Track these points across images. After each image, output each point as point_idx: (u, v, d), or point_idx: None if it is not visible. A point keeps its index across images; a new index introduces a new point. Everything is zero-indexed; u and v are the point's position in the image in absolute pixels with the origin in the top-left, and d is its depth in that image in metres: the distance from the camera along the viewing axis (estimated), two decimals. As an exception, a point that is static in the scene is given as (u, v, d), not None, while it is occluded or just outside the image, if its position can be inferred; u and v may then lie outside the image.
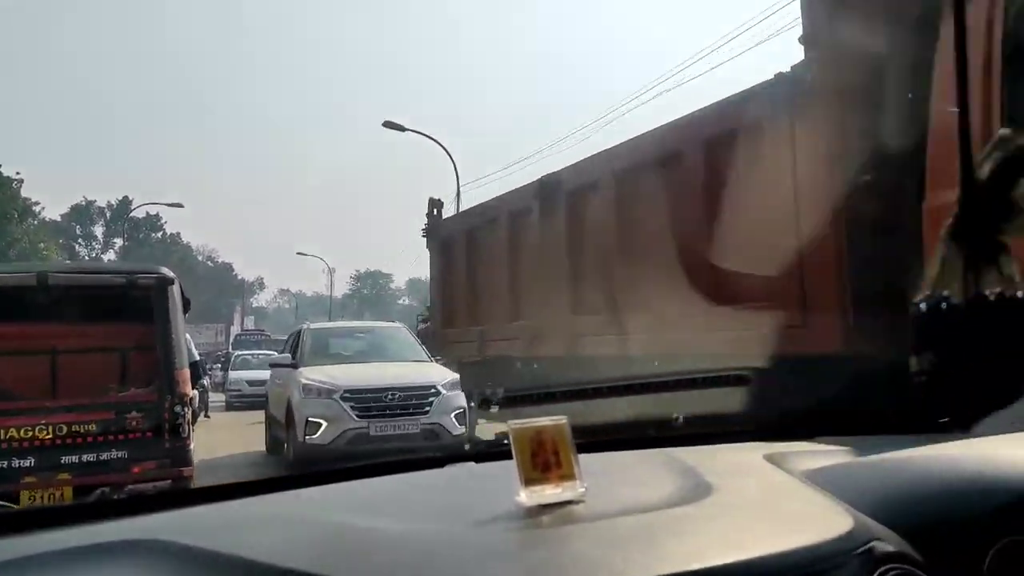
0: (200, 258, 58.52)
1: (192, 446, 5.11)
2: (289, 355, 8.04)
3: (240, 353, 21.48)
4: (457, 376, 7.03)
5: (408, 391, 6.61)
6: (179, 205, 29.04)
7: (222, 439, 9.02)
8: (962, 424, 1.12)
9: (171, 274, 5.01)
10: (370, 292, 68.21)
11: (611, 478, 0.85)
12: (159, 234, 53.63)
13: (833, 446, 1.02)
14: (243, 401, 17.35)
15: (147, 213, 47.52)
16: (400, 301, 65.55)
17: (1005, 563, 0.75)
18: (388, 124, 18.92)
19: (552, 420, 0.77)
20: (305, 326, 8.86)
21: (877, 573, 0.64)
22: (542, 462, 0.75)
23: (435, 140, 19.19)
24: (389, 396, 6.58)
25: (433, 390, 6.68)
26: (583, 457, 0.83)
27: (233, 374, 19.03)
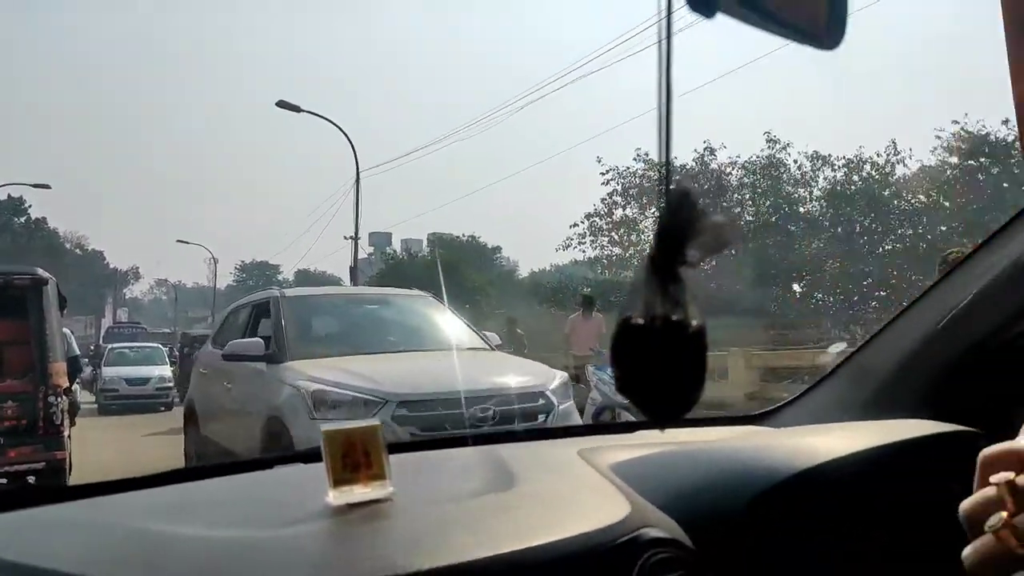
0: (68, 246, 54.38)
1: (67, 433, 5.51)
2: (257, 341, 4.87)
3: (116, 346, 18.96)
4: (566, 376, 4.78)
5: (508, 400, 4.03)
6: (45, 186, 26.94)
7: (96, 458, 6.73)
8: (772, 418, 1.25)
9: (46, 275, 5.47)
10: (256, 283, 65.76)
11: (424, 475, 0.89)
12: (23, 219, 49.28)
13: (649, 440, 1.10)
14: (121, 404, 15.58)
15: (9, 195, 43.55)
16: (288, 294, 63.46)
17: (780, 546, 0.84)
18: (282, 104, 18.19)
19: (365, 423, 0.80)
20: (276, 293, 5.52)
21: (643, 557, 0.71)
22: (352, 463, 0.78)
23: (333, 123, 18.62)
24: (482, 410, 3.97)
25: (543, 399, 4.23)
26: (401, 457, 0.85)
27: (108, 371, 16.83)
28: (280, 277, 67.86)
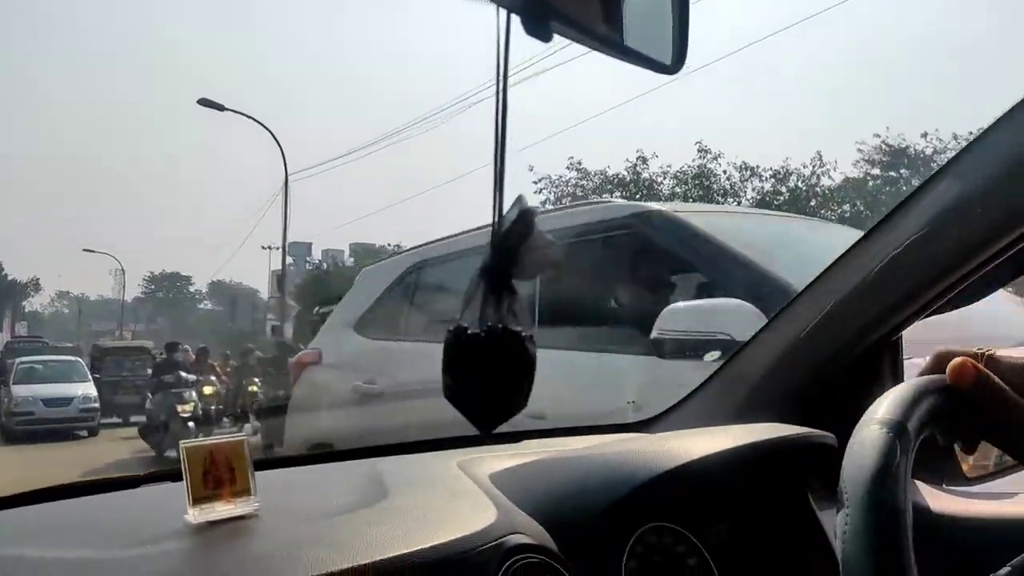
0: (-40, 255, 51.33)
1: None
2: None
3: (25, 360, 16.25)
4: None
5: None
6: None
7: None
8: (652, 425, 1.31)
9: None
10: (167, 295, 63.49)
11: (294, 491, 0.90)
12: (-93, 225, 46.24)
13: (531, 449, 1.14)
14: (36, 429, 13.24)
15: None
16: (202, 305, 61.68)
17: (646, 546, 0.89)
18: (205, 102, 17.52)
19: (229, 437, 0.81)
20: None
21: (507, 563, 0.74)
22: (215, 479, 0.79)
23: (260, 123, 18.07)
24: None
25: None
26: (270, 473, 0.87)
27: (18, 389, 14.43)
28: (192, 288, 65.94)
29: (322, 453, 1.13)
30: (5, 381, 15.23)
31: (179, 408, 10.38)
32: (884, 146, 22.21)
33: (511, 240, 0.48)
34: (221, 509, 0.79)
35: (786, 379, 1.10)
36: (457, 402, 0.50)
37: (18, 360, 16.43)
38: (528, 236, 0.48)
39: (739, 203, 23.57)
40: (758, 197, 23.56)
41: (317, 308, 11.48)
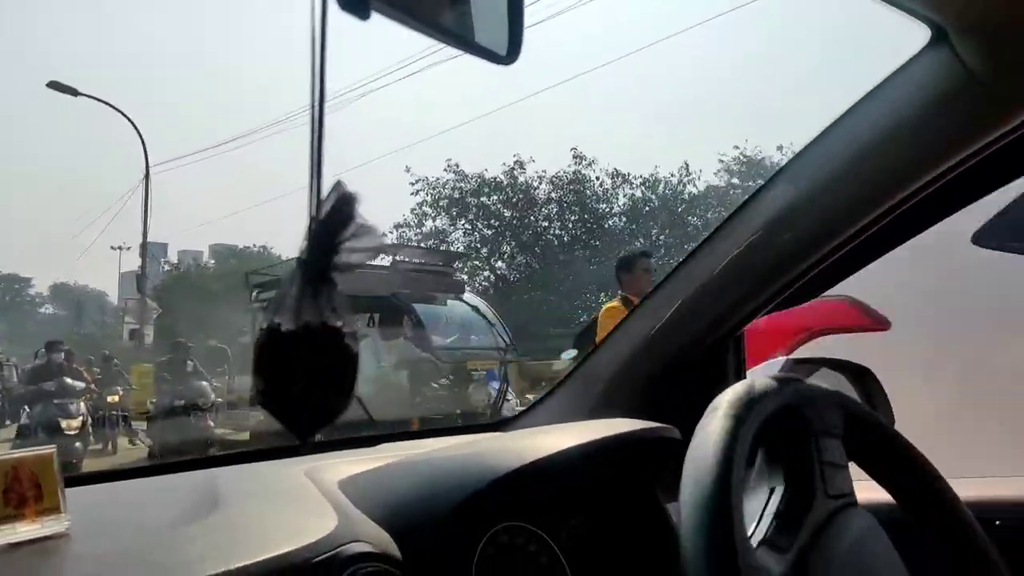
0: None
1: None
2: None
3: None
4: None
5: None
6: None
7: None
8: (511, 424, 1.32)
9: None
10: (2, 298, 58.07)
11: (115, 507, 0.84)
12: None
13: (386, 452, 1.12)
14: None
15: None
16: (42, 309, 56.80)
17: (497, 546, 0.89)
18: (55, 85, 15.99)
19: (35, 451, 0.74)
20: None
21: (344, 573, 0.72)
22: (18, 497, 0.72)
23: (117, 109, 16.71)
24: None
25: None
26: (90, 489, 0.80)
27: None
28: (32, 291, 60.63)
29: (156, 464, 1.05)
30: None
31: (63, 424, 8.54)
32: (742, 157, 24.00)
33: (329, 230, 0.45)
34: (24, 530, 0.71)
35: (637, 376, 1.13)
36: (271, 408, 0.46)
37: None
38: (348, 224, 0.46)
39: (611, 209, 24.59)
40: (629, 203, 24.56)
41: (256, 293, 10.32)
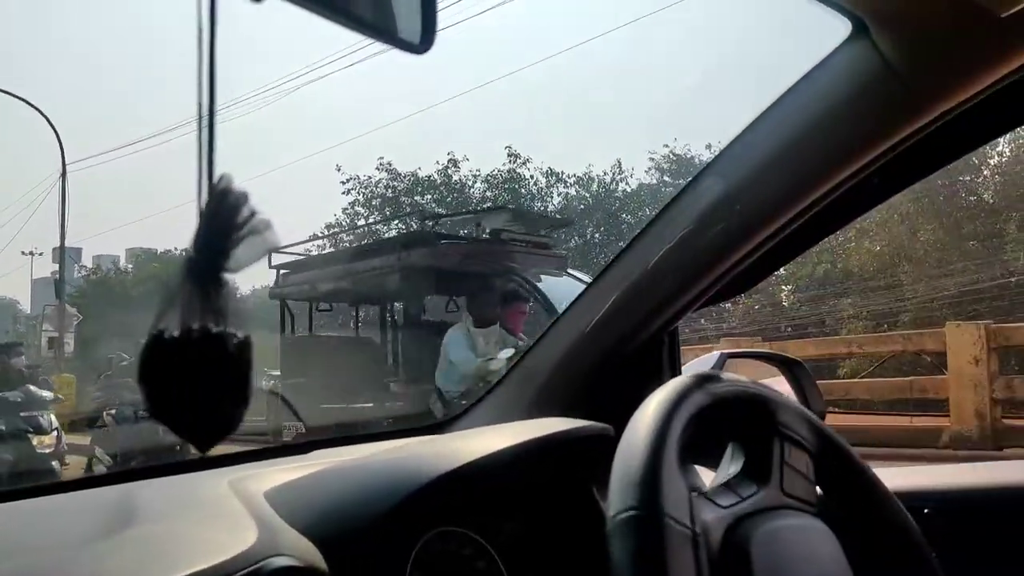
0: None
1: None
2: None
3: None
4: None
5: None
6: None
7: None
8: (451, 425, 1.30)
9: None
10: None
11: (19, 525, 0.79)
12: None
13: (319, 459, 1.08)
14: None
15: None
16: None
17: (431, 553, 0.87)
18: None
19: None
20: None
21: None
22: None
23: (32, 104, 15.94)
24: None
25: None
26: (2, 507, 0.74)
27: None
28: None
29: (74, 480, 0.99)
30: None
31: (35, 441, 7.46)
32: (672, 155, 24.68)
33: (217, 227, 0.42)
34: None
35: (573, 374, 1.13)
36: (161, 418, 0.43)
37: None
38: (236, 221, 0.43)
39: (546, 207, 24.83)
40: (564, 202, 24.83)
41: (284, 275, 9.07)
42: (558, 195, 25.17)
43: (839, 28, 0.84)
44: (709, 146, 21.24)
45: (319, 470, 0.95)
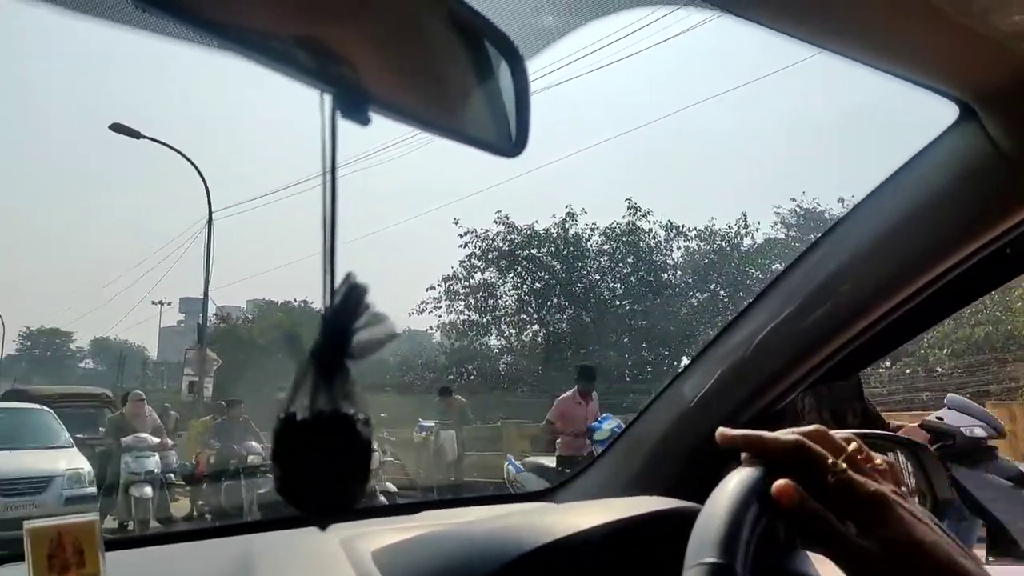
0: None
1: None
2: None
3: None
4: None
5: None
6: None
7: None
8: (556, 494, 1.35)
9: None
10: (43, 353, 60.55)
11: (152, 573, 0.89)
12: None
13: (427, 521, 1.16)
14: None
15: None
16: (83, 364, 58.87)
17: None
18: (118, 128, 16.37)
19: (78, 518, 0.81)
20: None
21: None
22: (60, 563, 0.78)
23: (181, 153, 17.11)
24: None
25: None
26: (127, 554, 0.86)
27: None
28: (73, 346, 63.03)
29: (193, 530, 1.11)
30: None
31: (134, 490, 8.19)
32: (799, 209, 24.07)
33: (341, 319, 0.50)
34: (66, 596, 0.77)
35: (675, 450, 1.16)
36: (288, 495, 0.50)
37: None
38: (358, 314, 0.50)
39: (664, 261, 24.64)
40: (686, 256, 24.54)
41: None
42: (677, 249, 24.92)
43: (946, 113, 0.86)
44: (841, 200, 20.50)
45: (426, 533, 1.02)
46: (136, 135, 16.47)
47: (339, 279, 0.53)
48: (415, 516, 1.22)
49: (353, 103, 0.48)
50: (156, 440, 8.86)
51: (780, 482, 0.64)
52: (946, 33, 0.69)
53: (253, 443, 9.33)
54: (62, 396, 12.66)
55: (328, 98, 0.47)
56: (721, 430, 0.72)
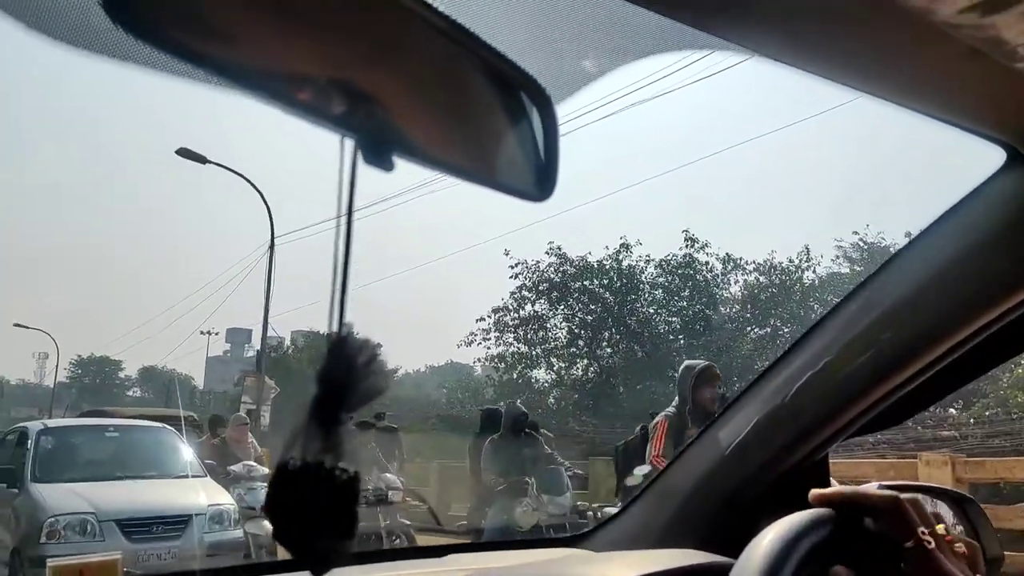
0: None
1: None
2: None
3: (52, 428, 8.16)
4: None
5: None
6: None
7: None
8: (586, 540, 1.34)
9: None
10: (92, 382, 62.58)
11: None
12: None
13: (458, 564, 1.16)
14: None
15: None
16: (131, 392, 60.66)
17: None
18: (184, 153, 16.51)
19: (101, 557, 0.83)
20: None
21: None
22: (83, 601, 0.80)
23: (247, 179, 17.24)
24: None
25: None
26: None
27: (51, 494, 6.73)
28: (121, 375, 64.97)
29: (190, 571, 1.11)
30: (14, 478, 7.03)
31: (251, 527, 6.98)
32: (862, 243, 23.60)
33: (338, 371, 0.50)
34: (87, 632, 0.78)
35: (710, 499, 1.14)
36: (284, 541, 0.52)
37: (36, 429, 7.71)
38: (356, 366, 0.50)
39: (721, 295, 24.29)
40: (746, 290, 24.20)
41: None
42: (735, 283, 24.61)
43: (993, 157, 0.85)
44: (909, 234, 20.04)
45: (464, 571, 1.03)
46: (202, 160, 16.64)
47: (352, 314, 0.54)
48: (442, 560, 1.23)
49: (376, 148, 0.49)
50: (266, 470, 7.61)
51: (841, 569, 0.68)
52: (990, 76, 0.68)
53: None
54: (142, 418, 10.42)
55: (350, 143, 0.48)
56: (814, 492, 0.75)
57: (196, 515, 6.67)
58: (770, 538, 0.69)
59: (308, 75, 0.50)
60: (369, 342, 0.54)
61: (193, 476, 7.45)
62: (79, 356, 63.55)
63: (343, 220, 0.51)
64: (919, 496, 0.73)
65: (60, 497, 6.53)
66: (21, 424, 8.56)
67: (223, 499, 7.10)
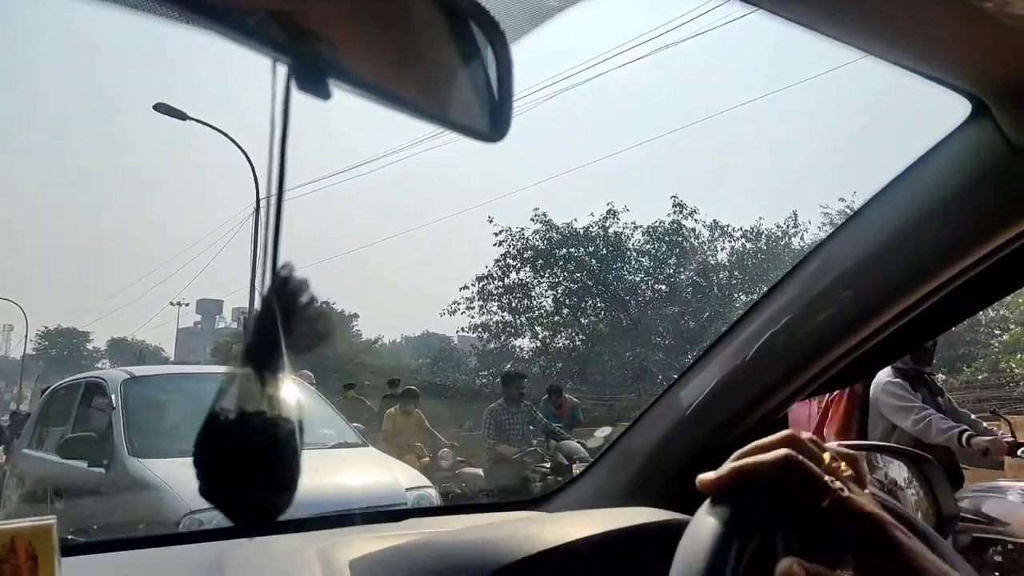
0: None
1: None
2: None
3: (138, 375, 5.83)
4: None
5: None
6: None
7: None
8: (546, 502, 1.35)
9: None
10: (60, 353, 62.34)
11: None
12: None
13: (410, 529, 1.16)
14: None
15: None
16: (100, 364, 60.49)
17: None
18: (161, 108, 15.49)
19: (34, 521, 0.82)
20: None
21: None
22: (12, 569, 0.79)
23: (228, 135, 16.40)
24: None
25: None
26: (86, 560, 0.87)
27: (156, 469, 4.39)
28: (89, 347, 64.66)
29: (161, 536, 1.11)
30: (99, 452, 4.99)
31: None
32: (848, 210, 23.88)
33: (277, 314, 0.47)
34: (17, 601, 0.76)
35: (669, 460, 1.15)
36: (213, 498, 0.48)
37: (119, 379, 5.52)
38: (295, 308, 0.48)
39: (707, 260, 24.38)
40: (736, 256, 24.31)
41: None
42: (722, 249, 24.71)
43: (958, 108, 0.84)
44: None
45: (408, 541, 1.02)
46: (182, 116, 15.78)
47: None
48: (398, 524, 1.23)
49: (312, 75, 0.47)
50: None
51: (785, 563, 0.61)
52: (956, 21, 0.67)
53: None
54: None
55: (283, 68, 0.46)
56: (701, 478, 0.67)
57: (403, 502, 4.72)
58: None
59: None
60: (306, 281, 0.52)
61: (364, 446, 5.68)
62: (45, 327, 63.26)
63: (276, 150, 0.49)
64: (793, 434, 0.66)
65: (187, 482, 4.54)
66: (84, 374, 6.33)
67: (422, 480, 5.34)
